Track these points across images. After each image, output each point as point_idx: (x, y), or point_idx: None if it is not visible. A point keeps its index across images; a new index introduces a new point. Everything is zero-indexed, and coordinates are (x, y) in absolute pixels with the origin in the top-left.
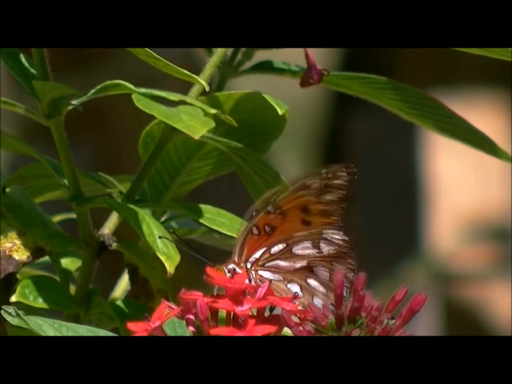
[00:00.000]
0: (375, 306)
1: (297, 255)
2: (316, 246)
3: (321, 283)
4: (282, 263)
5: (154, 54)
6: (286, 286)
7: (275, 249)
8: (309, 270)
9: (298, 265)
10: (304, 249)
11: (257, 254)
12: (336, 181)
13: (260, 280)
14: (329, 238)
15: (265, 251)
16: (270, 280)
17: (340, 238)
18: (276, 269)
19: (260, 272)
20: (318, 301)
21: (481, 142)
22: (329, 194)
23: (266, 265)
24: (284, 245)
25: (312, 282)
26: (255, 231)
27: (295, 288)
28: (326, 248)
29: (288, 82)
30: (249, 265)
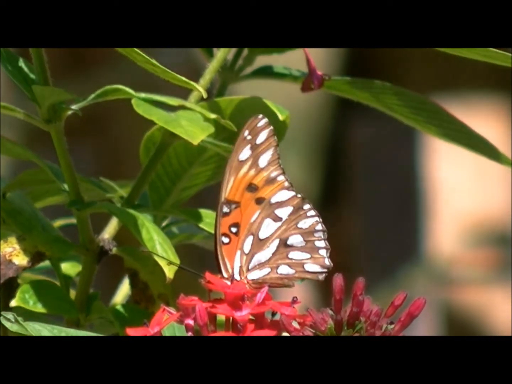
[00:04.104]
0: (374, 311)
1: (267, 237)
2: (274, 218)
3: (300, 250)
4: (259, 255)
5: (152, 60)
6: (277, 273)
7: (247, 246)
8: (284, 244)
9: (273, 246)
10: (267, 228)
11: (237, 262)
12: (259, 139)
13: (254, 284)
14: (279, 201)
15: (241, 254)
16: (267, 284)
17: (288, 195)
18: (259, 265)
19: (249, 277)
20: (310, 268)
21: (482, 147)
22: (262, 156)
23: (250, 267)
24: (251, 237)
25: (293, 254)
26: (225, 239)
27: (285, 269)
28: (283, 213)
29: (289, 87)
30: (238, 277)
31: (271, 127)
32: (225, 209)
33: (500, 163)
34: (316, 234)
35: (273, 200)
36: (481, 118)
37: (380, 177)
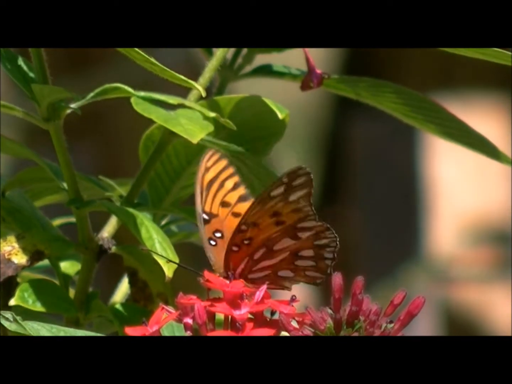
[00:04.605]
0: (374, 310)
1: (279, 249)
2: (294, 237)
3: (307, 258)
4: (267, 262)
5: (151, 59)
6: (277, 275)
7: (257, 255)
8: (294, 255)
9: (282, 256)
10: (283, 243)
11: (242, 265)
12: (296, 182)
13: (252, 283)
14: (304, 227)
15: (248, 260)
16: (267, 283)
17: (314, 224)
18: (263, 267)
19: (250, 277)
20: (310, 274)
21: (482, 146)
22: (293, 194)
23: (253, 269)
24: (264, 248)
25: (299, 262)
26: (234, 248)
27: (285, 273)
28: (304, 235)
29: (288, 85)
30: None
31: (311, 176)
32: (243, 227)
33: (500, 162)
34: (328, 249)
35: (299, 225)
36: (480, 117)
37: (380, 175)
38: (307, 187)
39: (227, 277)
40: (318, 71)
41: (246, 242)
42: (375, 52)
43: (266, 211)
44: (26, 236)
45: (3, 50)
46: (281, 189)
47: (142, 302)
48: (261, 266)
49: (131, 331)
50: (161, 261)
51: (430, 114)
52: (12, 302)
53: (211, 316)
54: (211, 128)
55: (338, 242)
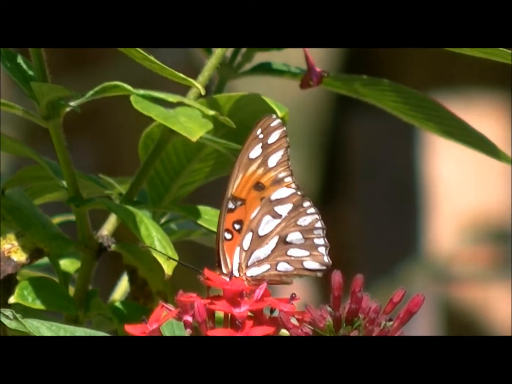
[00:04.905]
0: (373, 308)
1: (266, 234)
2: (274, 215)
3: (299, 247)
4: (258, 252)
5: (150, 57)
6: (276, 270)
7: (246, 242)
8: (283, 241)
9: (272, 243)
10: (267, 224)
11: (237, 258)
12: (272, 137)
13: (253, 281)
14: (279, 198)
15: (240, 250)
16: (266, 280)
17: (288, 193)
18: (258, 262)
19: (248, 273)
20: (309, 266)
21: (482, 144)
22: (272, 156)
23: (248, 263)
24: (251, 233)
25: (292, 251)
26: (228, 235)
27: (284, 266)
28: (283, 210)
29: (288, 84)
30: (237, 274)
31: (284, 128)
32: (231, 205)
33: (499, 160)
34: (316, 232)
35: (273, 197)
36: (480, 115)
37: (379, 174)
38: (283, 144)
39: (226, 271)
40: (318, 69)
41: (236, 227)
42: (375, 51)
43: (249, 179)
44: (26, 234)
45: (2, 49)
46: (258, 149)
47: (141, 300)
48: (255, 258)
49: (131, 329)
50: (160, 259)
51: (430, 113)
52: (12, 300)
53: (211, 314)
54: (210, 126)
55: (322, 221)
